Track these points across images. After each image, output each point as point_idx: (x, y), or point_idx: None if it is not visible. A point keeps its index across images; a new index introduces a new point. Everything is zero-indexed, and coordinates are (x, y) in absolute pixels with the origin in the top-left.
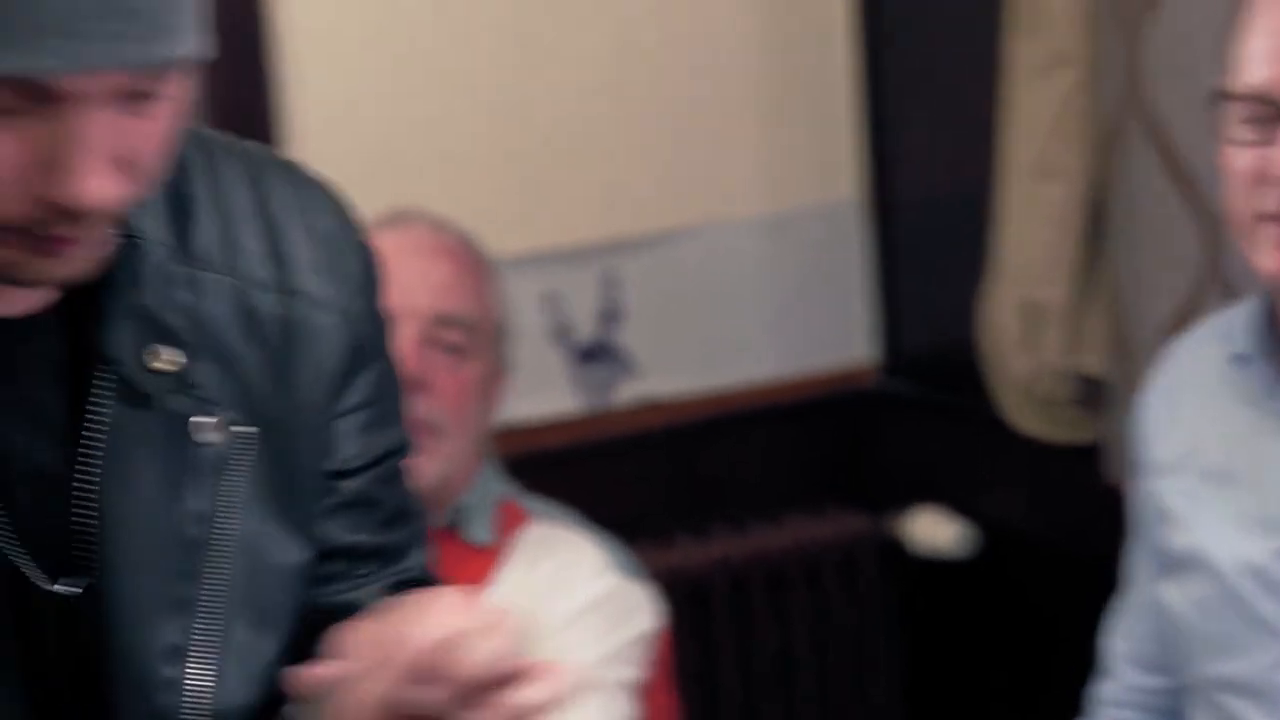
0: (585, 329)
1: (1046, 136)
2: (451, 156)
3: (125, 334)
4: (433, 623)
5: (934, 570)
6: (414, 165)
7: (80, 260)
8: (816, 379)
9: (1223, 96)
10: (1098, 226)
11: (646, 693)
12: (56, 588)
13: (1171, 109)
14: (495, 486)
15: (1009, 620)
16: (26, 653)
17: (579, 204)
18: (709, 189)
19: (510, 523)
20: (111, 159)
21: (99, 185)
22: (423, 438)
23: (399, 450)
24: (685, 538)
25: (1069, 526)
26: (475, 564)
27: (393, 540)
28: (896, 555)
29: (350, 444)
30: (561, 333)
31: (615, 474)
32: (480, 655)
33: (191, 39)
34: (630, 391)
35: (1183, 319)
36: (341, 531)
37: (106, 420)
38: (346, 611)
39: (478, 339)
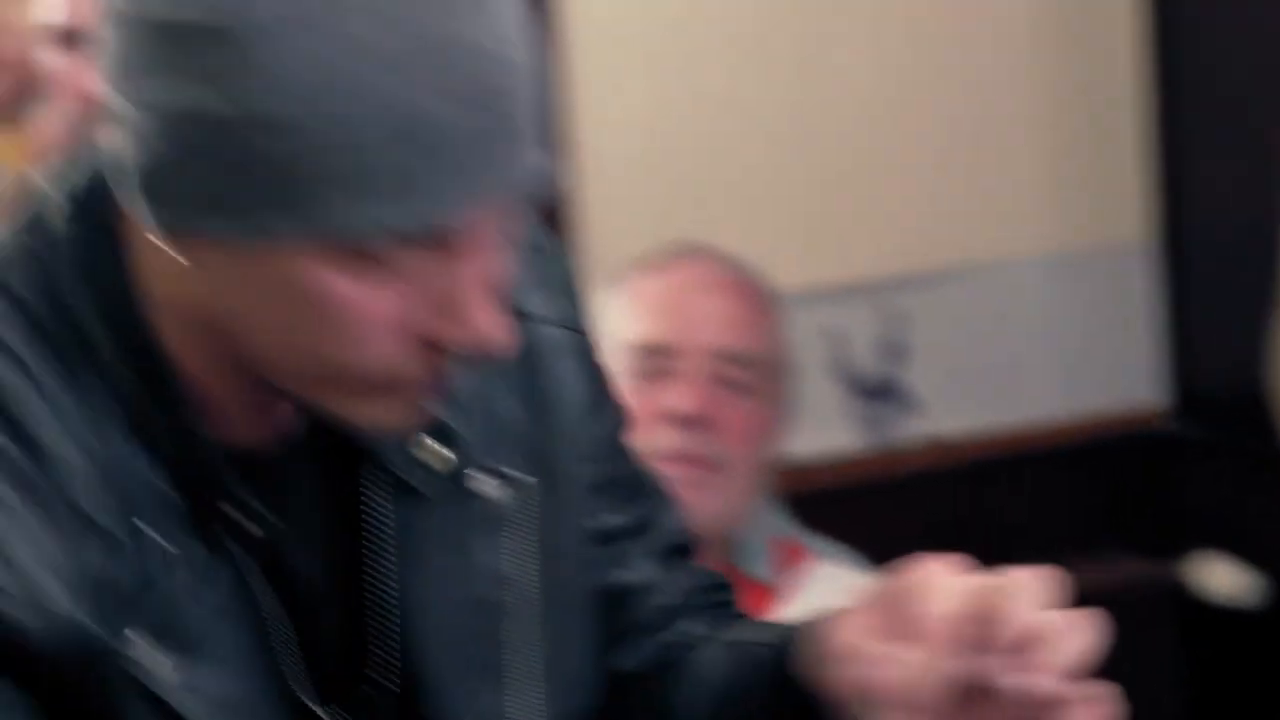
0: (867, 365)
1: None
2: (737, 190)
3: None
4: (949, 591)
5: (1221, 619)
6: (700, 199)
7: (425, 404)
8: (1103, 420)
9: None
10: None
11: None
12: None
13: None
14: (773, 523)
15: None
16: None
17: (863, 239)
18: (995, 225)
19: (789, 560)
20: (494, 293)
21: (493, 321)
22: (705, 474)
23: (622, 423)
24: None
25: None
26: (754, 600)
27: (641, 512)
28: (1182, 602)
29: (588, 435)
30: (843, 369)
31: (895, 512)
32: (1019, 614)
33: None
34: (912, 429)
35: None
36: (593, 518)
37: (386, 518)
38: (618, 595)
39: (763, 376)
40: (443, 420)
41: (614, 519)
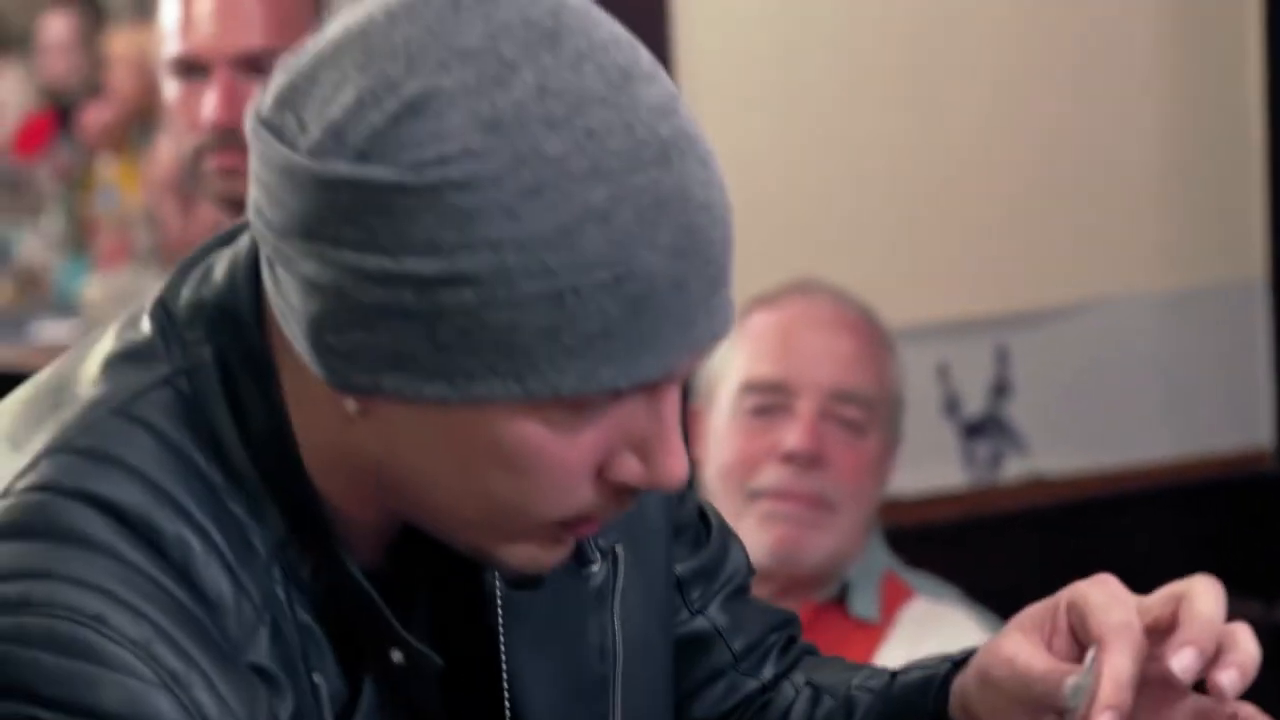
0: (975, 402)
1: None
2: (849, 224)
3: None
4: (1123, 599)
5: None
6: (811, 235)
7: (570, 547)
8: (1211, 461)
9: None
10: None
11: None
12: None
13: None
14: (881, 559)
15: None
16: None
17: (974, 275)
18: (1108, 263)
19: (893, 597)
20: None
21: (683, 461)
22: (817, 513)
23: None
24: None
25: None
26: (859, 639)
27: (709, 555)
28: None
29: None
30: (951, 405)
31: (999, 550)
32: (1200, 610)
33: None
34: (1018, 467)
35: None
36: (701, 618)
37: (500, 611)
38: (695, 643)
39: (876, 415)
40: None
41: (685, 565)
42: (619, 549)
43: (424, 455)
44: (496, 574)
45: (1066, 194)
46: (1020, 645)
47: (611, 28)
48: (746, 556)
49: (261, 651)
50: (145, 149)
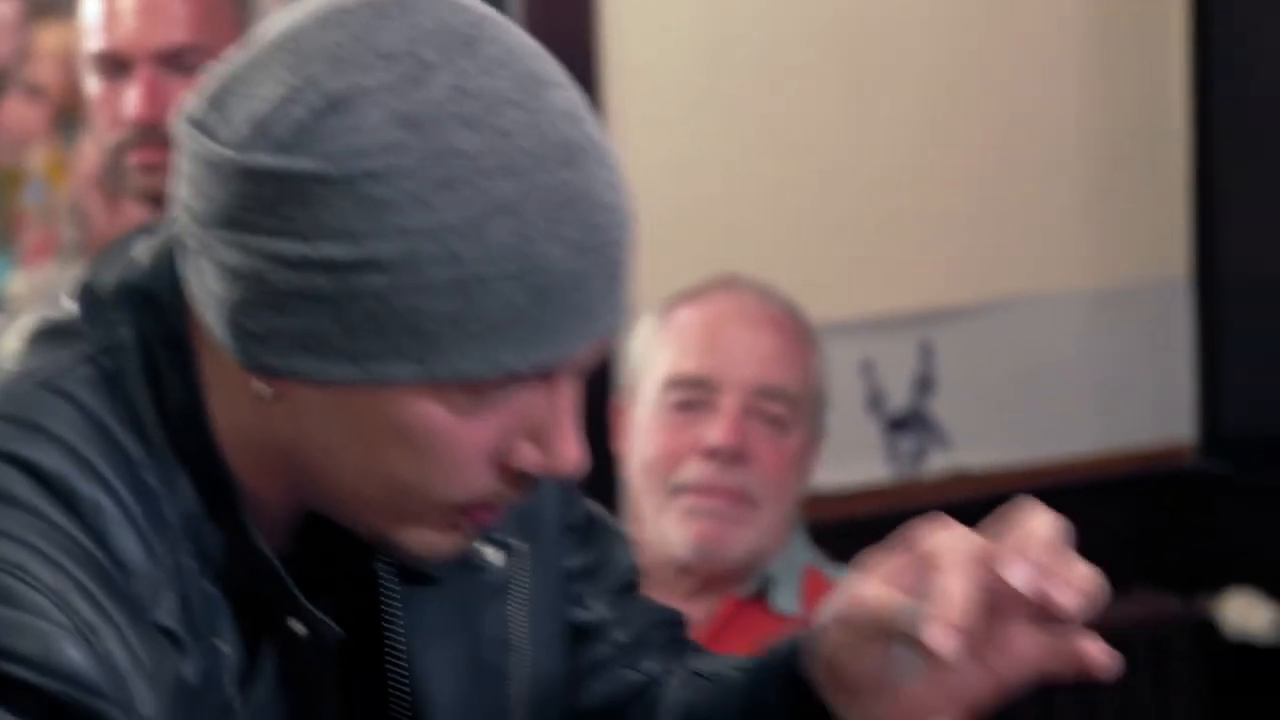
0: (899, 398)
1: None
2: (775, 221)
3: None
4: (961, 535)
5: (1246, 655)
6: (737, 229)
7: (470, 535)
8: (1131, 456)
9: None
10: None
11: None
12: None
13: None
14: (803, 554)
15: None
16: None
17: (898, 272)
18: (1032, 261)
19: (815, 592)
20: (575, 418)
21: (579, 449)
22: (739, 508)
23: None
24: None
25: None
26: (781, 633)
27: (595, 552)
28: (1207, 638)
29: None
30: (875, 401)
31: None
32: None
33: None
34: (942, 462)
35: None
36: (585, 611)
37: (396, 599)
38: (577, 634)
39: (799, 411)
40: None
41: (572, 561)
42: (517, 544)
43: (331, 436)
44: (393, 567)
45: (991, 192)
46: (872, 585)
47: (526, 39)
48: (633, 557)
49: (168, 614)
50: (74, 143)
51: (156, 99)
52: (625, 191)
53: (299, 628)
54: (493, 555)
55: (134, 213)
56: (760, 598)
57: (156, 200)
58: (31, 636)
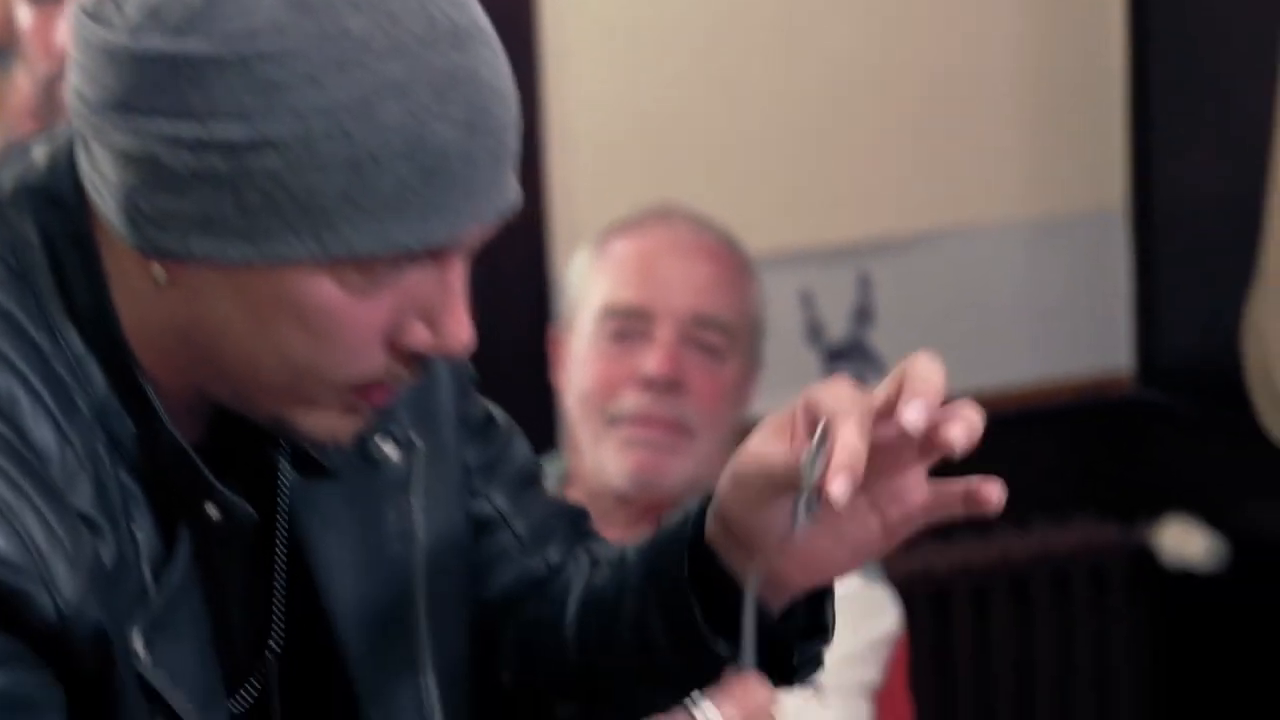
0: (837, 329)
1: None
2: (712, 151)
3: None
4: (845, 387)
5: (1183, 582)
6: (674, 159)
7: (365, 418)
8: (1070, 386)
9: None
10: None
11: (883, 696)
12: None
13: None
14: None
15: (1259, 635)
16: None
17: (837, 203)
18: (970, 192)
19: None
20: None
21: (469, 328)
22: (675, 438)
23: (468, 363)
24: (928, 541)
25: None
26: None
27: (493, 446)
28: (1145, 566)
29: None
30: (814, 332)
31: None
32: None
33: None
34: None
35: None
36: (485, 503)
37: (295, 491)
38: (478, 526)
39: (736, 341)
40: None
41: (470, 455)
42: (414, 439)
43: (228, 318)
44: (293, 461)
45: (929, 123)
46: (763, 440)
47: None
48: (532, 451)
49: (84, 499)
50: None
51: None
52: (510, 79)
53: (213, 512)
54: (391, 451)
55: None
56: None
57: None
58: None
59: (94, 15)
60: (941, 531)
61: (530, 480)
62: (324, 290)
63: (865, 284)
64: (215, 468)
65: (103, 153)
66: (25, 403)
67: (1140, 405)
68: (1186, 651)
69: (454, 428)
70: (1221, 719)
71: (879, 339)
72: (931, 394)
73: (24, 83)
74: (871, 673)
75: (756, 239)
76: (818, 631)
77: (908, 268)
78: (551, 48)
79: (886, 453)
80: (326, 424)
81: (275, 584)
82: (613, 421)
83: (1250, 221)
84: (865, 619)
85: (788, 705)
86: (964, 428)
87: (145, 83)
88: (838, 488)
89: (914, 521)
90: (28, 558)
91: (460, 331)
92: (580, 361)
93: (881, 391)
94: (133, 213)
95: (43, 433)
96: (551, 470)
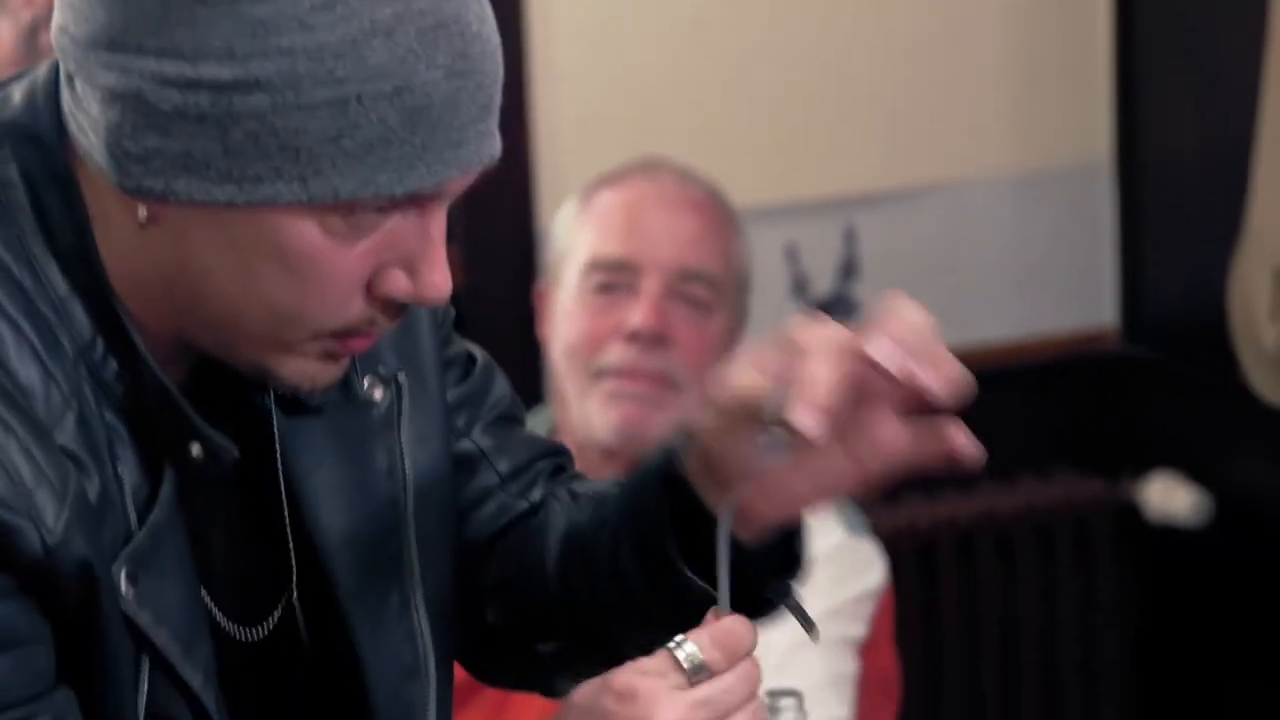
0: (823, 283)
1: None
2: (698, 104)
3: None
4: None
5: (1167, 537)
6: (660, 112)
7: (344, 365)
8: (1056, 341)
9: None
10: None
11: (868, 650)
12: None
13: None
14: None
15: (1242, 590)
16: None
17: (823, 157)
18: (956, 146)
19: None
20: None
21: (448, 277)
22: (661, 391)
23: (449, 305)
24: (914, 496)
25: None
26: None
27: (472, 386)
28: (1130, 521)
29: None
30: (799, 286)
31: None
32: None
33: None
34: None
35: None
36: (467, 442)
37: (282, 432)
38: (459, 465)
39: (721, 294)
40: None
41: (452, 394)
42: (400, 378)
43: (211, 260)
44: (279, 400)
45: (915, 77)
46: (740, 371)
47: None
48: (512, 390)
49: (69, 436)
50: None
51: None
52: (494, 28)
53: (197, 451)
54: (378, 392)
55: None
56: None
57: None
58: None
59: None
60: (926, 486)
61: (511, 419)
62: (307, 234)
63: (851, 238)
64: (198, 409)
65: (89, 91)
66: (9, 340)
67: (1125, 360)
68: (1170, 606)
69: (436, 367)
70: (1205, 674)
71: (864, 293)
72: (906, 333)
73: (6, 31)
74: (858, 627)
75: (742, 192)
76: (789, 567)
77: (893, 222)
78: (537, 9)
79: (863, 394)
80: (306, 370)
81: (281, 523)
82: (598, 375)
83: (1237, 176)
84: (851, 574)
85: (777, 649)
86: (939, 375)
87: (134, 21)
88: (808, 421)
89: (890, 466)
90: (14, 492)
91: (439, 280)
92: (566, 315)
93: (860, 332)
94: (117, 152)
95: (27, 370)
96: (538, 424)
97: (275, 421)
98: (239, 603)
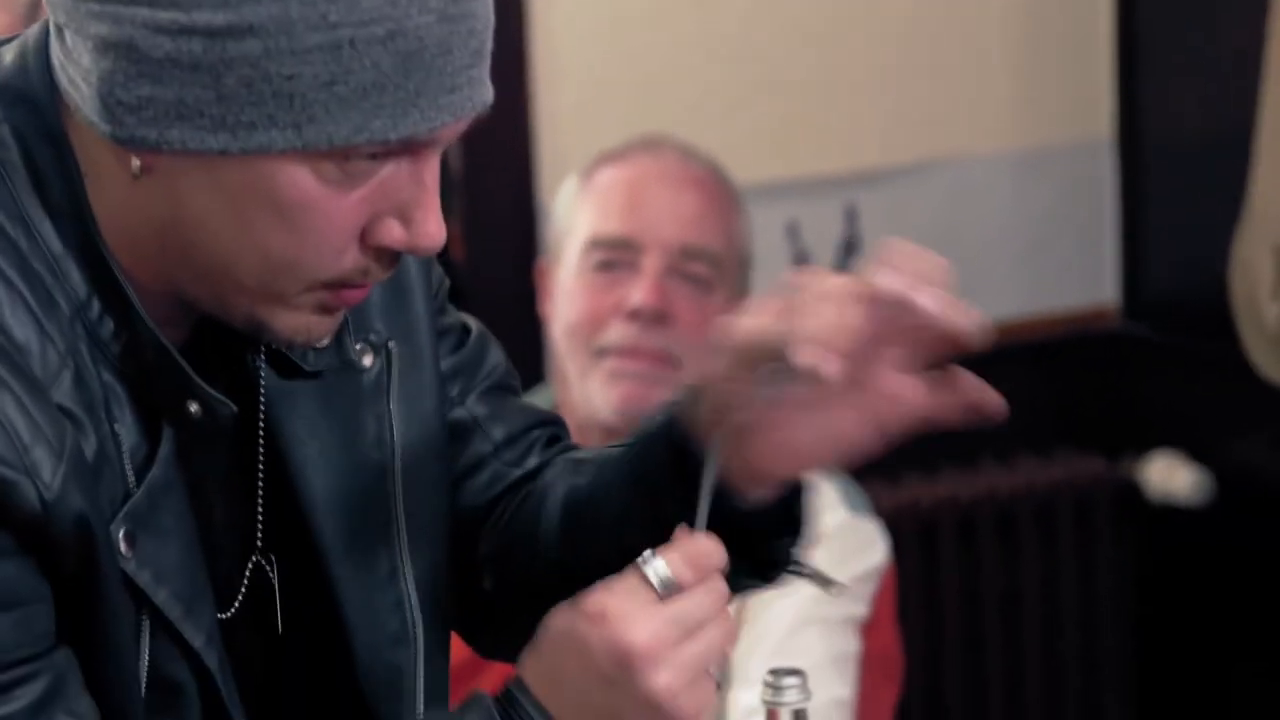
0: (824, 261)
1: None
2: (699, 82)
3: None
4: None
5: (1168, 516)
6: (662, 89)
7: (340, 318)
8: (1057, 319)
9: None
10: None
11: (870, 629)
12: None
13: None
14: None
15: (1242, 569)
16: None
17: (826, 134)
18: (957, 122)
19: None
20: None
21: (441, 225)
22: (664, 370)
23: (443, 275)
24: (914, 475)
25: None
26: None
27: (466, 354)
28: (1130, 500)
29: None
30: (800, 263)
31: None
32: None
33: None
34: None
35: None
36: (462, 409)
37: (274, 395)
38: (456, 433)
39: (723, 272)
40: None
41: (446, 362)
42: (391, 345)
43: (205, 211)
44: (271, 362)
45: (917, 53)
46: (749, 312)
47: None
48: (508, 360)
49: (65, 393)
50: None
51: None
52: None
53: (195, 409)
54: (369, 359)
55: None
56: None
57: None
58: None
59: None
60: (928, 465)
61: (506, 388)
62: (301, 181)
63: (852, 215)
64: (196, 368)
65: (79, 42)
66: (4, 298)
67: (1126, 339)
68: (1171, 585)
69: (429, 336)
70: (1205, 653)
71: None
72: (911, 269)
73: (3, 11)
74: (859, 606)
75: (743, 170)
76: (791, 526)
77: (894, 199)
78: None
79: (876, 343)
80: (301, 324)
81: (258, 484)
82: (600, 353)
83: (1238, 154)
84: (853, 552)
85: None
86: (936, 300)
87: None
88: (821, 361)
89: (905, 420)
90: (11, 448)
91: (433, 228)
92: (567, 293)
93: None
94: (110, 102)
95: (23, 328)
96: (539, 403)
97: (265, 381)
98: (236, 563)
